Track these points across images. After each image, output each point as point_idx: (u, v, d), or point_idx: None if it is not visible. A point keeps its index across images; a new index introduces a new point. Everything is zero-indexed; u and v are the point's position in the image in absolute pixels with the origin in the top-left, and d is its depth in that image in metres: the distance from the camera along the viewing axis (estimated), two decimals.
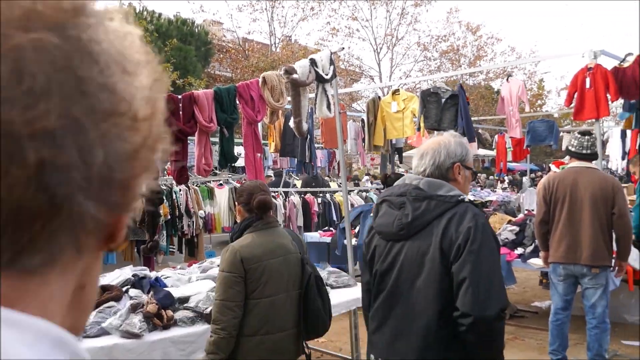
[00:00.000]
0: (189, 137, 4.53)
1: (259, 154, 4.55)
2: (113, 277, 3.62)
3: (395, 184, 2.28)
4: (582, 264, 4.11)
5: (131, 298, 3.33)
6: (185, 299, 3.47)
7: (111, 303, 3.23)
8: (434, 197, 2.04)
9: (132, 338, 3.00)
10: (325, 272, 4.49)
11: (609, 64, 5.25)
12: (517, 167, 26.26)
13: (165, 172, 9.44)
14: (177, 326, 3.24)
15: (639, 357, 4.91)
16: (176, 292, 3.50)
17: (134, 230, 7.42)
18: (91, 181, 0.37)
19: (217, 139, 4.87)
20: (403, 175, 5.93)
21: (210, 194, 9.10)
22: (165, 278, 3.93)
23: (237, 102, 4.37)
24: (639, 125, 5.95)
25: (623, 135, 8.85)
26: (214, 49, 24.51)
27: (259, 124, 7.97)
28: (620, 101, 6.02)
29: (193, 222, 8.31)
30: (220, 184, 9.80)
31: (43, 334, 0.36)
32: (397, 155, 9.47)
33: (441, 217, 2.00)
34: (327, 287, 4.24)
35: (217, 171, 11.61)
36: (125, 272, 3.70)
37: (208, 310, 3.26)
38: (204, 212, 8.73)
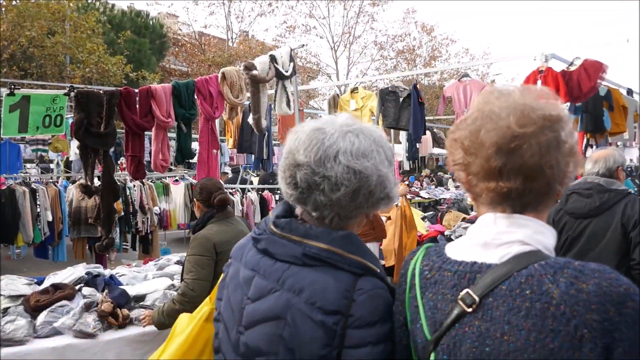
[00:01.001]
0: (145, 132, 4.42)
1: (215, 151, 4.49)
2: (65, 275, 3.51)
3: (579, 181, 3.34)
4: None
5: (84, 297, 3.23)
6: (141, 297, 3.40)
7: (63, 302, 3.13)
8: (611, 190, 3.18)
9: (86, 338, 2.91)
10: None
11: (558, 67, 5.43)
12: None
13: (118, 168, 9.23)
14: (132, 325, 3.16)
15: None
16: (132, 290, 3.42)
17: (86, 227, 7.22)
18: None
19: (174, 135, 4.79)
20: None
21: (165, 190, 8.94)
22: (120, 276, 3.83)
23: (196, 97, 4.31)
24: (584, 127, 6.20)
25: None
26: (169, 42, 24.04)
27: (216, 120, 7.93)
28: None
29: (147, 218, 8.14)
30: (176, 180, 9.64)
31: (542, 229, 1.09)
32: None
33: (619, 202, 3.13)
34: None
35: (173, 167, 11.44)
36: (78, 270, 3.58)
37: None
38: (159, 208, 8.57)
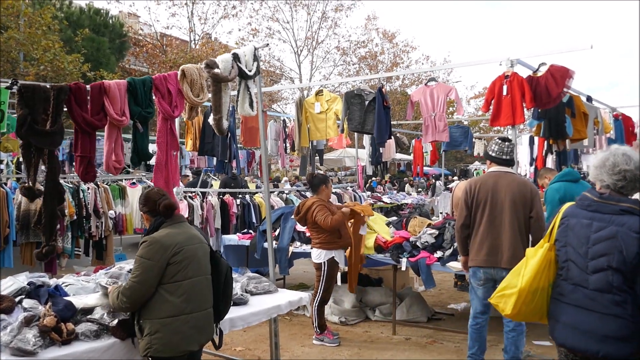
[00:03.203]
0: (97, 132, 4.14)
1: (174, 152, 4.25)
2: (5, 286, 3.19)
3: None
4: (502, 267, 4.17)
5: (25, 310, 2.95)
6: (89, 310, 3.13)
7: (1, 316, 2.84)
8: None
9: (25, 356, 2.64)
10: (245, 277, 4.28)
11: (522, 73, 5.44)
12: (430, 171, 27.19)
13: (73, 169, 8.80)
14: (78, 341, 2.90)
15: (550, 356, 5.10)
16: (78, 302, 3.15)
17: (35, 232, 6.82)
18: None
19: (131, 135, 4.51)
20: (327, 175, 5.83)
21: (121, 193, 8.58)
22: (67, 286, 3.54)
23: (153, 95, 4.06)
24: (547, 134, 6.24)
25: (531, 142, 9.31)
26: (129, 42, 23.45)
27: (176, 121, 7.63)
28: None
29: (102, 222, 7.78)
30: (133, 183, 9.28)
31: None
32: (317, 157, 9.41)
33: None
34: (247, 293, 4.07)
35: (130, 169, 11.02)
36: (20, 280, 3.29)
37: (115, 322, 2.96)
38: (115, 212, 8.21)
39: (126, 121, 3.90)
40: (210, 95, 4.30)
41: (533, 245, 4.25)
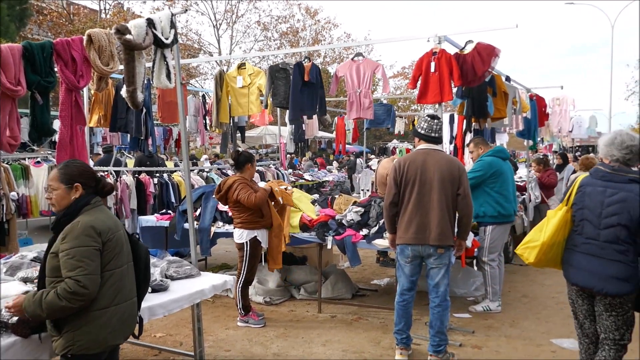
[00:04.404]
0: None
1: (80, 127, 3.85)
2: None
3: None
4: (430, 244, 4.18)
5: None
6: None
7: None
8: None
9: None
10: (165, 262, 4.00)
11: (451, 50, 5.44)
12: (351, 149, 27.49)
13: None
14: None
15: (470, 328, 5.24)
16: None
17: None
18: None
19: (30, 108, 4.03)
20: (252, 154, 5.60)
21: (24, 173, 7.90)
22: None
23: (55, 63, 3.63)
24: (469, 112, 6.33)
25: (451, 120, 9.50)
26: (31, 9, 21.57)
27: (84, 92, 7.03)
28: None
29: (3, 205, 7.09)
30: (38, 162, 8.58)
31: None
32: (239, 134, 9.11)
33: None
34: (167, 279, 3.81)
35: (35, 147, 10.19)
36: None
37: (15, 319, 2.62)
38: (17, 194, 7.54)
39: (22, 91, 3.45)
40: (122, 64, 3.92)
41: (460, 222, 4.34)
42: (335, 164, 22.73)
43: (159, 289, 3.61)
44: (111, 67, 3.78)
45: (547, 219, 3.47)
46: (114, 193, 7.57)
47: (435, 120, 4.39)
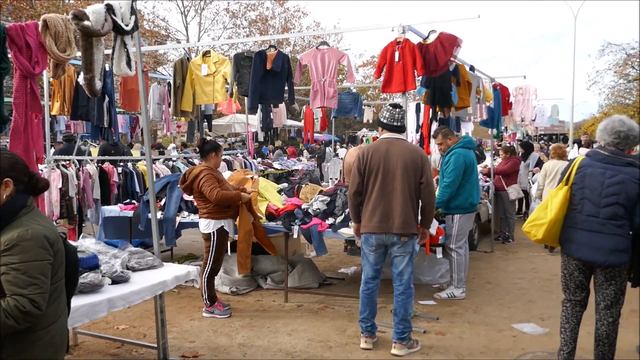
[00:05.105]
0: None
1: (36, 115, 3.72)
2: None
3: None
4: (394, 232, 4.22)
5: None
6: None
7: None
8: None
9: None
10: (126, 253, 3.94)
11: (414, 40, 5.46)
12: (320, 138, 27.48)
13: None
14: None
15: (435, 315, 5.33)
16: None
17: None
18: None
19: None
20: (218, 143, 5.54)
21: None
22: None
23: (8, 48, 3.50)
24: (433, 101, 6.37)
25: (417, 109, 9.57)
26: None
27: (44, 79, 6.82)
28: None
29: None
30: None
31: None
32: (206, 123, 9.00)
33: None
34: (128, 270, 3.75)
35: None
36: None
37: None
38: None
39: None
40: (79, 51, 3.81)
41: (424, 211, 4.39)
42: (305, 152, 22.71)
43: (120, 280, 3.55)
44: (68, 54, 3.67)
45: (549, 197, 3.80)
46: (76, 182, 7.40)
47: (397, 109, 4.42)
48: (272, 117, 10.43)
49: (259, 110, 9.77)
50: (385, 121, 4.41)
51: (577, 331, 3.91)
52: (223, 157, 9.56)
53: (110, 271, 3.54)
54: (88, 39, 3.68)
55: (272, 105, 8.85)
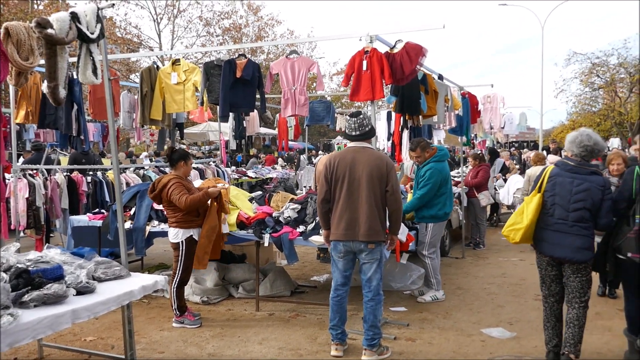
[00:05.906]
0: None
1: None
2: None
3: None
4: (360, 240, 4.26)
5: None
6: None
7: None
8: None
9: None
10: (92, 263, 3.88)
11: (381, 49, 5.53)
12: (295, 145, 27.51)
13: None
14: None
15: (405, 321, 5.37)
16: None
17: None
18: None
19: None
20: (188, 152, 5.50)
21: None
22: None
23: None
24: (402, 109, 6.44)
25: (389, 117, 9.67)
26: None
27: (11, 88, 6.67)
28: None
29: None
30: None
31: None
32: (178, 131, 8.94)
33: None
34: (94, 280, 3.69)
35: None
36: None
37: None
38: None
39: None
40: (43, 59, 3.77)
41: (390, 218, 4.44)
42: (280, 160, 22.68)
43: (85, 291, 3.49)
44: (31, 62, 3.62)
45: (525, 204, 4.29)
46: (43, 192, 7.27)
47: (354, 119, 4.46)
48: (245, 125, 10.42)
49: (230, 119, 9.74)
50: (346, 131, 4.51)
51: (559, 327, 4.28)
52: (195, 165, 9.52)
53: (75, 282, 3.47)
54: (52, 47, 3.65)
55: (243, 113, 8.83)
